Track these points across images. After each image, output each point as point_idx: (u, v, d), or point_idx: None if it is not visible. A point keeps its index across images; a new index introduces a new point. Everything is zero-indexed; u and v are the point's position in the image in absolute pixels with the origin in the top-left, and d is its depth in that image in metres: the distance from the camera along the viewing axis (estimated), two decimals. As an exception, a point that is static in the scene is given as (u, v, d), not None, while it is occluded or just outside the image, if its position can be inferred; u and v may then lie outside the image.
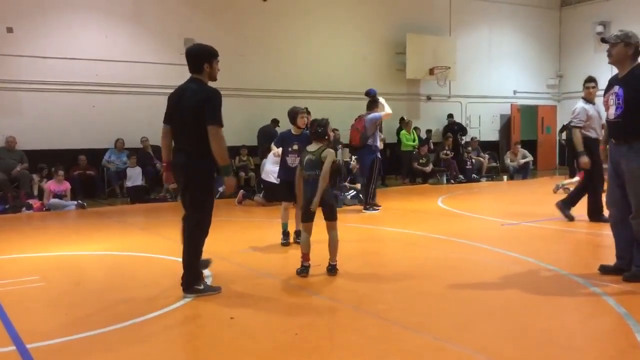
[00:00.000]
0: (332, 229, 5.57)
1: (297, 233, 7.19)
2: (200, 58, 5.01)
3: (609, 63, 5.32)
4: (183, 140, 4.96)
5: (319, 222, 5.61)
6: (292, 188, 7.17)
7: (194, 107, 4.83)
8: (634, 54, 5.12)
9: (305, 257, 5.58)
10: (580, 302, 4.70)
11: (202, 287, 4.94)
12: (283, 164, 7.24)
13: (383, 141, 11.98)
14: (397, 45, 17.16)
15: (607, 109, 5.29)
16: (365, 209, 10.08)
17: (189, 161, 4.87)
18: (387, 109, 10.08)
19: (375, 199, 10.24)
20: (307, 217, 5.54)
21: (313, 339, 3.89)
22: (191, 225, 4.91)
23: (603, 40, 5.34)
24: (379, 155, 10.13)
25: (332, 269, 5.57)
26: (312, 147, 5.65)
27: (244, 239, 7.82)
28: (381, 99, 10.20)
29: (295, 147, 7.09)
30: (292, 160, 7.08)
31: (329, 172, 5.43)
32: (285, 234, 7.20)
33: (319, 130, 5.62)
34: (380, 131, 11.02)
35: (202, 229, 4.94)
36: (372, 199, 10.11)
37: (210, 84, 5.10)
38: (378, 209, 10.13)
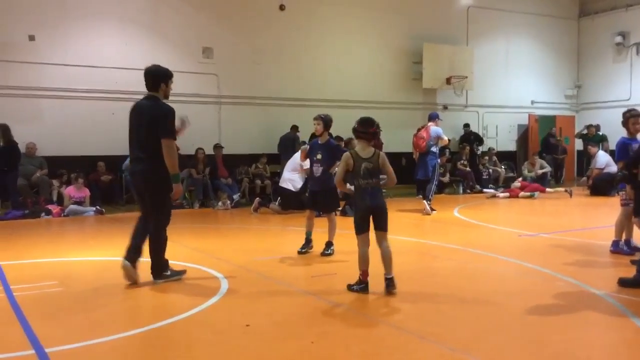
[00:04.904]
0: (384, 240, 5.26)
1: (328, 244, 7.07)
2: (158, 78, 5.66)
3: None
4: (140, 150, 5.55)
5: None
6: (319, 197, 7.18)
7: (149, 121, 5.47)
8: None
9: (365, 273, 5.24)
10: (598, 315, 4.65)
11: (169, 272, 5.73)
12: (310, 173, 7.31)
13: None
14: (413, 54, 17.17)
15: None
16: (428, 202, 11.19)
17: (146, 168, 5.51)
18: (445, 139, 11.63)
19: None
20: (364, 227, 5.23)
21: (329, 348, 3.89)
22: (154, 224, 5.61)
23: None
24: (439, 160, 11.96)
25: (389, 284, 5.17)
26: (365, 153, 5.27)
27: (260, 247, 7.85)
28: (443, 136, 11.55)
29: (319, 156, 7.06)
30: (317, 170, 7.08)
31: (394, 175, 5.32)
32: (308, 241, 7.14)
33: (379, 130, 5.42)
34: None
35: (164, 226, 5.68)
36: (432, 196, 11.43)
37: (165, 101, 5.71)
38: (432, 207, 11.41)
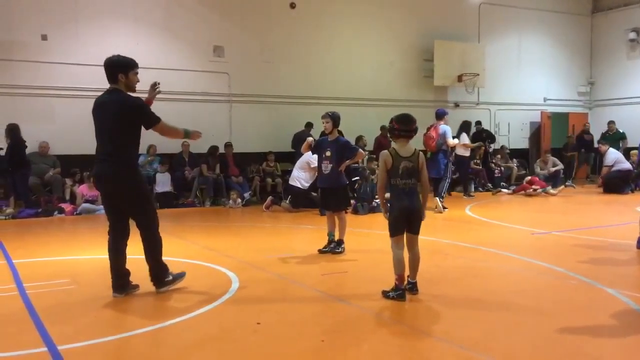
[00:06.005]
0: (415, 244, 5.08)
1: (339, 242, 7.07)
2: (114, 68, 5.13)
3: None
4: (106, 150, 5.12)
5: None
6: (328, 195, 7.18)
7: (115, 116, 5.04)
8: None
9: (401, 278, 4.95)
10: (611, 313, 4.60)
11: (170, 277, 5.34)
12: (318, 170, 7.30)
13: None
14: (424, 51, 17.10)
15: None
16: (440, 200, 11.14)
17: (115, 170, 5.06)
18: (451, 141, 11.62)
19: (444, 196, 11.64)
20: (399, 229, 5.01)
21: (339, 346, 3.89)
22: (146, 230, 5.19)
23: None
24: (451, 158, 11.95)
25: (412, 287, 5.04)
26: (404, 151, 5.02)
27: (271, 245, 7.86)
28: (448, 139, 11.51)
29: (328, 153, 7.05)
30: (326, 167, 7.10)
31: (427, 179, 5.13)
32: (330, 242, 7.09)
33: (416, 127, 5.06)
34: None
35: (156, 227, 5.24)
36: (444, 193, 11.50)
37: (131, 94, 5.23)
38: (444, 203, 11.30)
